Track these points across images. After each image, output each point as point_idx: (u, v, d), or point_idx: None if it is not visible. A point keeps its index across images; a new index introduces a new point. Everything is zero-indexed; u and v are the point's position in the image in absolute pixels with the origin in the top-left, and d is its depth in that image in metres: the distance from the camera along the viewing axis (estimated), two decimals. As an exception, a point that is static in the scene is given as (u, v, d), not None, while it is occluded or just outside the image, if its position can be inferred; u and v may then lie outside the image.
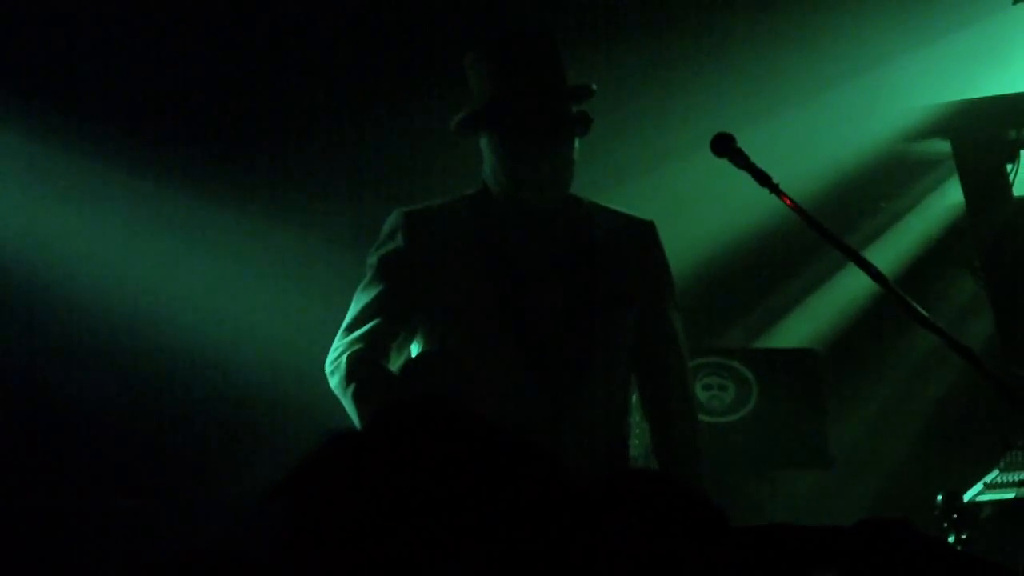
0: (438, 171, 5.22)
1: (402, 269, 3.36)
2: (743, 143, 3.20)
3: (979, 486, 4.45)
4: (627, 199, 3.72)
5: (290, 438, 5.13)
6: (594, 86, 3.38)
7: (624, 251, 3.45)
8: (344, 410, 3.31)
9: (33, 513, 5.01)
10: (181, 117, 5.55)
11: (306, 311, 5.06)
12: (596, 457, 3.28)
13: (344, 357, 3.29)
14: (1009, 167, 5.75)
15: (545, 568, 1.54)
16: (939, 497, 4.08)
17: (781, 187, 3.12)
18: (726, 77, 5.72)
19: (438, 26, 5.62)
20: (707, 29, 5.79)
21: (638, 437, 3.95)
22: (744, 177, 3.17)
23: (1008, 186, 5.75)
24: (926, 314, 2.97)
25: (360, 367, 3.26)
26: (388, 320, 3.33)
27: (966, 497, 4.31)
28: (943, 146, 5.98)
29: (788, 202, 3.11)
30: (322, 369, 3.36)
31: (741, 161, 3.18)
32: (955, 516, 4.03)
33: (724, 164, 3.20)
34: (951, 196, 6.14)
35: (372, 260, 3.41)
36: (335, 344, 3.35)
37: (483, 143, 3.41)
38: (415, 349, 3.40)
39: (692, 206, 5.46)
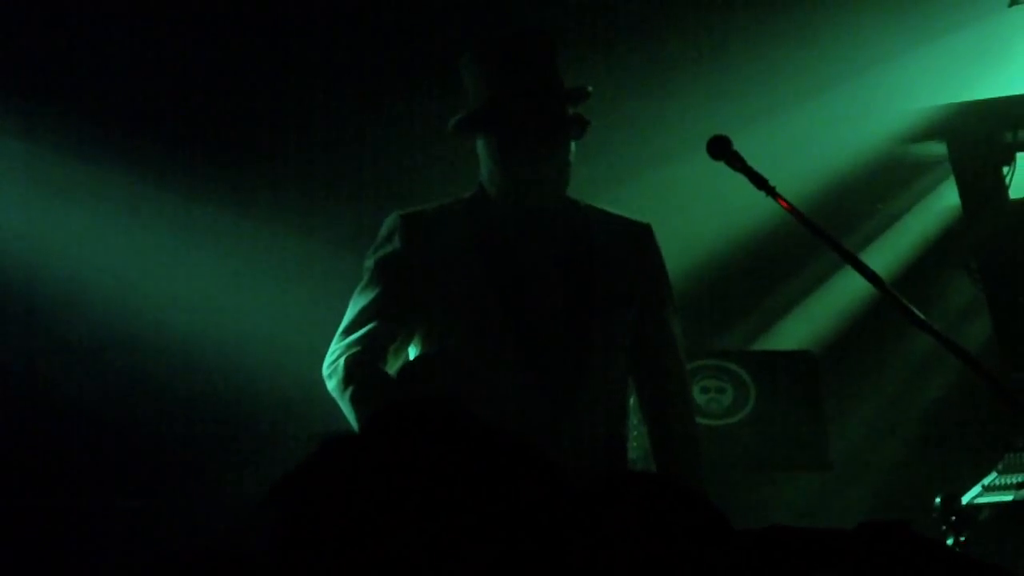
0: (439, 173, 5.22)
1: (399, 272, 3.36)
2: (740, 145, 3.20)
3: (977, 488, 4.45)
4: (624, 201, 3.73)
5: (289, 440, 5.13)
6: (590, 88, 3.39)
7: (621, 253, 3.45)
8: (342, 413, 3.31)
9: (32, 513, 5.02)
10: (181, 118, 5.55)
11: (306, 313, 5.06)
12: (595, 458, 3.27)
13: (342, 360, 3.29)
14: (1005, 169, 5.75)
15: (544, 570, 1.54)
16: (937, 499, 4.09)
17: (777, 189, 3.13)
18: (723, 79, 5.72)
19: (438, 28, 5.62)
20: (704, 31, 5.80)
21: (636, 440, 3.94)
22: (741, 179, 3.18)
23: (1004, 188, 5.75)
24: (923, 316, 2.98)
25: (357, 370, 3.26)
26: (385, 323, 3.33)
27: (964, 499, 4.31)
28: (939, 148, 5.98)
29: (784, 204, 3.12)
30: (322, 371, 3.37)
31: (737, 164, 3.18)
32: (953, 518, 4.04)
33: (721, 166, 3.20)
34: (947, 198, 6.14)
35: (369, 263, 3.41)
36: (332, 347, 3.35)
37: (480, 145, 3.42)
38: (412, 352, 3.40)
39: (689, 208, 5.46)
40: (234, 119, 5.62)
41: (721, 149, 3.19)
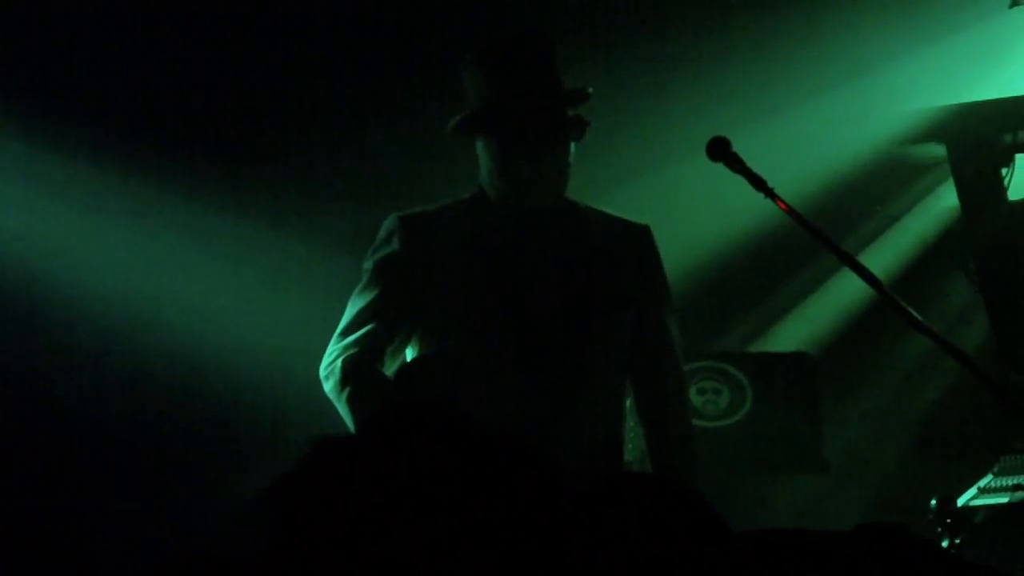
0: (439, 175, 5.21)
1: (398, 273, 3.36)
2: (739, 146, 3.20)
3: (973, 490, 4.45)
4: (623, 202, 3.73)
5: (287, 442, 5.13)
6: (590, 89, 3.39)
7: (620, 254, 3.45)
8: (340, 414, 3.32)
9: (29, 515, 5.01)
10: (181, 121, 5.55)
11: (306, 314, 5.06)
12: (592, 459, 3.28)
13: (339, 362, 3.29)
14: (1004, 171, 5.75)
15: (542, 571, 1.54)
16: (933, 501, 4.09)
17: (776, 190, 3.13)
18: (722, 80, 5.71)
19: (438, 29, 5.62)
20: (703, 32, 5.79)
21: (632, 442, 3.94)
22: (740, 180, 3.18)
23: (1003, 190, 5.74)
24: (921, 318, 2.98)
25: (355, 372, 3.27)
26: (383, 325, 3.34)
27: (960, 501, 4.31)
28: (938, 150, 5.98)
29: (783, 206, 3.12)
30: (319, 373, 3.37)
31: (736, 165, 3.18)
32: (949, 520, 4.04)
33: (720, 167, 3.20)
34: (946, 200, 6.13)
35: (367, 265, 3.41)
36: (330, 349, 3.35)
37: (479, 146, 3.42)
38: (410, 353, 3.41)
39: (688, 209, 5.45)
40: (234, 120, 5.62)
41: (720, 150, 3.20)
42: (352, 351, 3.30)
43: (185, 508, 5.08)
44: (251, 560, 1.58)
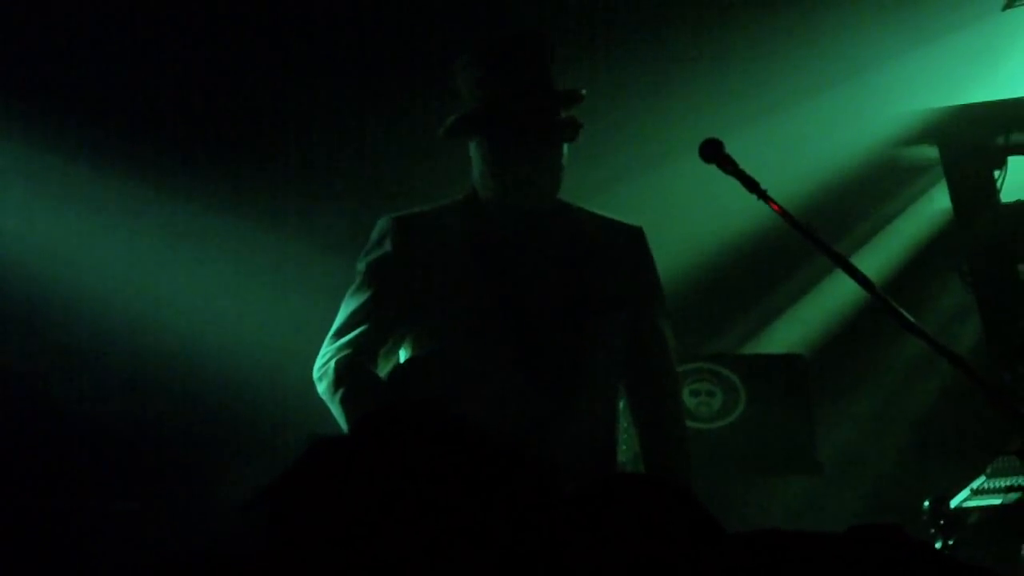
0: (439, 175, 5.21)
1: (390, 275, 3.36)
2: (732, 147, 3.20)
3: (966, 492, 4.45)
4: (618, 203, 3.74)
5: (284, 443, 5.13)
6: (584, 91, 3.39)
7: (613, 255, 3.45)
8: (334, 415, 3.33)
9: (29, 515, 5.01)
10: (180, 121, 5.55)
11: (304, 315, 5.06)
12: (586, 459, 3.27)
13: (332, 363, 3.30)
14: (997, 173, 5.74)
15: (538, 571, 1.56)
16: (926, 503, 4.10)
17: (769, 192, 3.14)
18: (716, 81, 5.71)
19: (436, 30, 5.62)
20: (697, 34, 5.79)
21: (625, 443, 3.95)
22: (733, 182, 3.19)
23: (996, 192, 5.73)
24: (913, 320, 2.99)
25: (348, 373, 3.28)
26: (376, 326, 3.34)
27: (953, 503, 4.32)
28: (931, 152, 5.98)
29: (776, 208, 3.13)
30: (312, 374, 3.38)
31: (729, 167, 3.19)
32: (942, 522, 4.05)
33: (713, 169, 3.21)
34: (939, 201, 6.12)
35: (361, 266, 3.41)
36: (323, 350, 3.36)
37: (472, 147, 3.42)
38: (403, 355, 3.41)
39: (681, 211, 5.45)
40: (233, 121, 5.62)
41: (713, 152, 3.20)
42: (345, 352, 3.31)
43: (184, 508, 5.09)
44: (248, 560, 1.59)
